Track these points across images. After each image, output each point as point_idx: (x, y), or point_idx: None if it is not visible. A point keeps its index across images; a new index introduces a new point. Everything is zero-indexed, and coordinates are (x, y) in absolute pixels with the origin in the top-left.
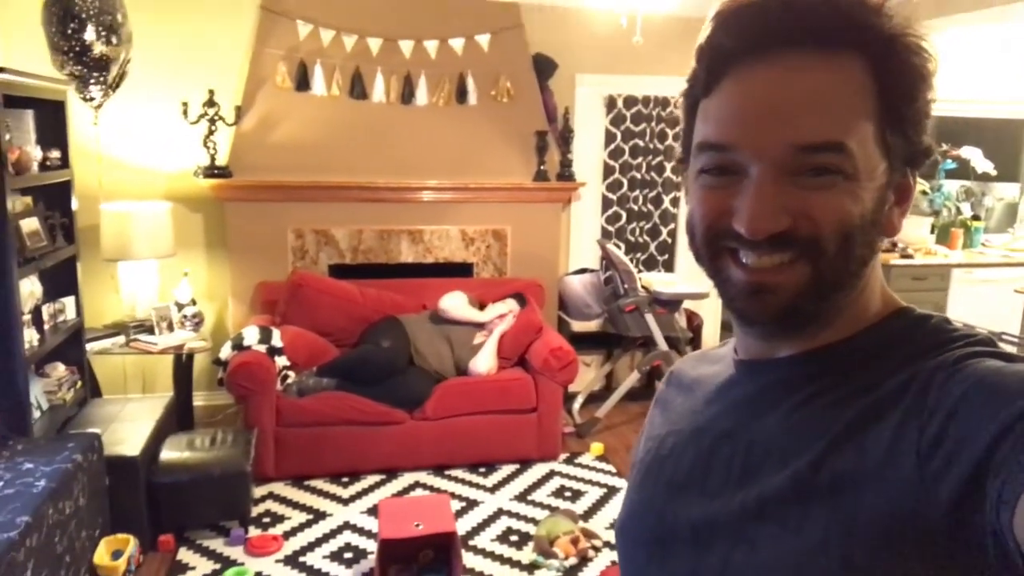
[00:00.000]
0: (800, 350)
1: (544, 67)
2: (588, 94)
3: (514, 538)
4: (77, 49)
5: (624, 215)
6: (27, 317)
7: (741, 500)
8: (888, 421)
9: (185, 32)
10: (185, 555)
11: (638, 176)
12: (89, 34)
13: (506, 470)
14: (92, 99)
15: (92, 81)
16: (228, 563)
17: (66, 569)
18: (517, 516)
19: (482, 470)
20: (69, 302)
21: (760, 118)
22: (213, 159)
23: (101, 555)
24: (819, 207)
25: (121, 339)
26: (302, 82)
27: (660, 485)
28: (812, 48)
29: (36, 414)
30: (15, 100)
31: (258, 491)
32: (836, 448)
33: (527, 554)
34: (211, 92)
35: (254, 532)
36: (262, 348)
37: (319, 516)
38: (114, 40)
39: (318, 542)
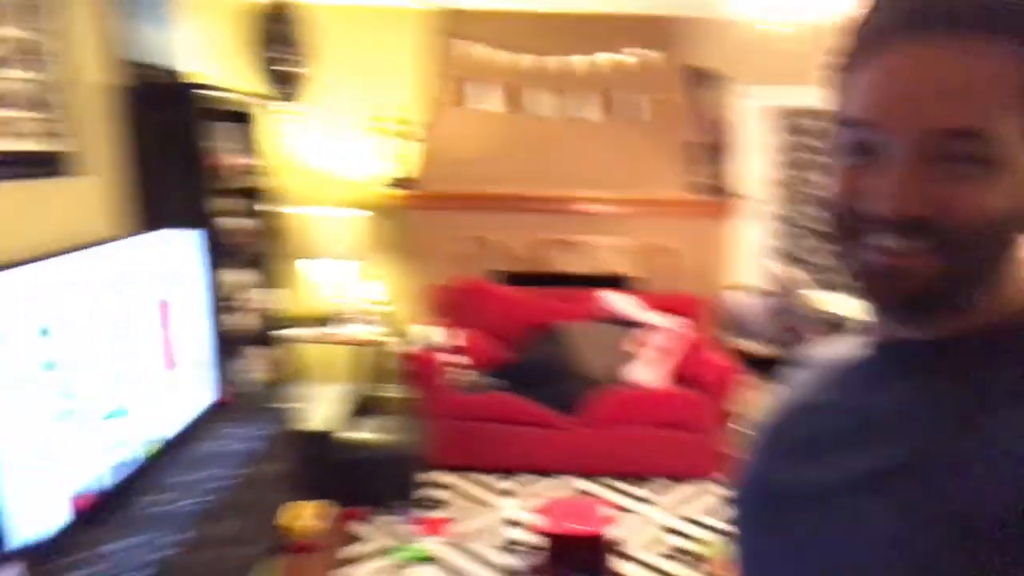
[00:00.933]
0: (935, 335)
1: (705, 80)
2: (754, 107)
3: (663, 551)
4: (279, 67)
5: (794, 232)
6: (232, 304)
7: (851, 473)
8: (1017, 414)
9: (370, 51)
10: (359, 528)
11: (809, 191)
12: (289, 53)
13: (664, 484)
14: (288, 112)
15: (289, 95)
16: (398, 540)
17: (256, 524)
18: (675, 532)
19: (638, 481)
20: (268, 293)
21: (903, 98)
22: (398, 171)
23: (287, 517)
24: (957, 197)
25: (314, 330)
26: (474, 98)
27: (777, 455)
28: (966, 32)
29: (240, 390)
30: (221, 114)
31: (428, 476)
32: (954, 433)
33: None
34: (392, 107)
35: (423, 514)
36: (439, 346)
37: (481, 506)
38: (309, 58)
39: (479, 531)
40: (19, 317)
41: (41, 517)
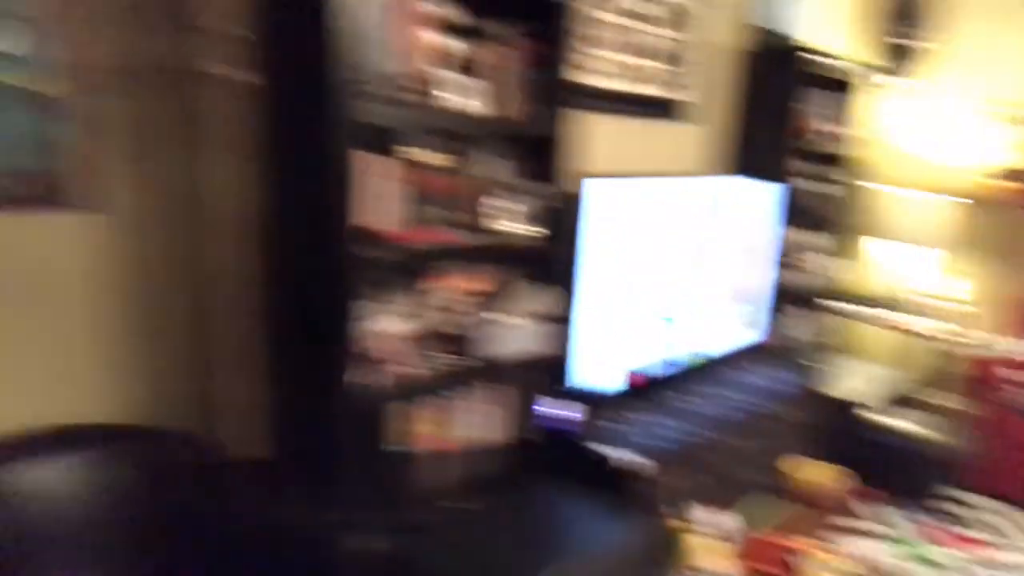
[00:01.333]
0: None
1: None
2: None
3: None
4: (897, 40)
5: None
6: (793, 261)
7: None
8: None
9: (1003, 31)
10: (865, 506)
11: None
12: (910, 27)
13: None
14: (896, 86)
15: (902, 70)
16: (904, 533)
17: (759, 457)
18: None
19: None
20: (830, 260)
21: None
22: (1014, 162)
23: (790, 466)
24: None
25: (867, 308)
26: None
27: None
28: None
29: (782, 340)
30: (822, 80)
31: (956, 489)
32: None
33: None
34: (1016, 93)
35: (941, 522)
36: (1015, 360)
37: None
38: (931, 34)
39: (1002, 565)
40: (619, 221)
41: (605, 380)
